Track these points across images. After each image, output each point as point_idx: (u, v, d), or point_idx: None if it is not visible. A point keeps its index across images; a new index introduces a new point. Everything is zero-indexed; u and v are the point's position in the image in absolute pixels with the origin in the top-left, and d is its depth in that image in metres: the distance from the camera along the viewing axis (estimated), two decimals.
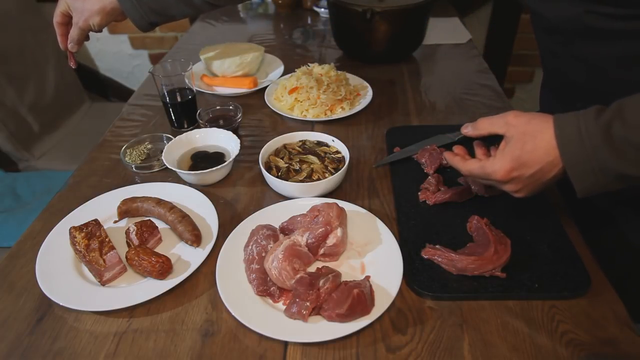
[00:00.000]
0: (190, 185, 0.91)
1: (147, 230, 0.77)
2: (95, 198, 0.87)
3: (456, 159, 0.74)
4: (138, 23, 0.97)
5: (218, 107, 1.09)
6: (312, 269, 0.72)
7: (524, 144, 0.64)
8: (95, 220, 0.77)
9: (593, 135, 0.58)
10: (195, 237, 0.76)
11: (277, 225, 0.79)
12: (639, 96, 0.57)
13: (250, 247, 0.74)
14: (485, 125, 0.72)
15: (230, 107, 1.08)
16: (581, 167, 0.59)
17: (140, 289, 0.70)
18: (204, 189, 0.90)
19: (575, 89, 0.84)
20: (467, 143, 0.77)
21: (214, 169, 0.89)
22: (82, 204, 0.86)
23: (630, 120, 0.56)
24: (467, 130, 0.75)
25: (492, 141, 0.73)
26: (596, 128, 0.58)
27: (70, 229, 0.75)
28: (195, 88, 1.11)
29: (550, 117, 0.63)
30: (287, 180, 0.87)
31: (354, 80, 1.27)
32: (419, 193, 0.86)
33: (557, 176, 0.64)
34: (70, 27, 0.98)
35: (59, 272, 0.73)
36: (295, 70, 1.23)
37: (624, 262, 0.87)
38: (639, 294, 0.79)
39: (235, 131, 1.01)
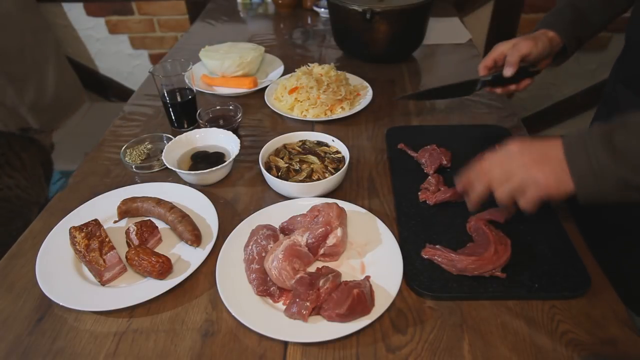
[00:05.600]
0: (190, 185, 0.91)
1: (147, 230, 0.77)
2: (95, 198, 0.87)
3: (474, 163, 0.73)
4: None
5: (218, 107, 1.09)
6: (312, 269, 0.72)
7: (532, 143, 0.67)
8: (95, 220, 0.77)
9: (595, 137, 0.61)
10: (195, 237, 0.76)
11: (277, 225, 0.79)
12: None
13: (250, 247, 0.74)
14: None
15: (230, 107, 1.08)
16: (582, 168, 0.61)
17: (140, 289, 0.70)
18: (204, 189, 0.90)
19: None
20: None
21: (214, 169, 0.89)
22: (82, 204, 0.86)
23: (632, 127, 0.60)
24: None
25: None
26: (599, 131, 0.61)
27: (70, 229, 0.75)
28: (195, 88, 1.11)
29: (559, 137, 0.65)
30: (287, 180, 0.87)
31: (354, 80, 1.27)
32: (419, 193, 0.86)
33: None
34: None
35: (59, 272, 0.73)
36: (295, 70, 1.23)
37: (627, 259, 0.87)
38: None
39: (235, 131, 1.01)
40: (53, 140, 1.77)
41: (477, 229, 0.76)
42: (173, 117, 1.10)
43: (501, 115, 1.11)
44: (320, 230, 0.72)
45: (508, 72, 0.92)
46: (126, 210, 0.83)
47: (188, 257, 0.75)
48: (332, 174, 0.89)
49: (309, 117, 1.12)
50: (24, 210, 1.32)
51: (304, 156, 0.94)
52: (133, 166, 0.97)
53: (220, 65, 1.28)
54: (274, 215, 0.81)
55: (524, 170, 0.65)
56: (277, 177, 0.88)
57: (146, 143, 1.04)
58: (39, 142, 1.56)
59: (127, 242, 0.78)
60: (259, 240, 0.74)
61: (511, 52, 0.92)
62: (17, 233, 0.80)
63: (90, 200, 0.87)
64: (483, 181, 0.70)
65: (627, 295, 0.73)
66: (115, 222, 0.84)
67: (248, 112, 1.17)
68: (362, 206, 0.83)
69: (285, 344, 0.64)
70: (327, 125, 1.12)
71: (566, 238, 0.76)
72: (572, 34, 0.93)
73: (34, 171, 1.38)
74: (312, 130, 1.03)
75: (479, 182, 0.71)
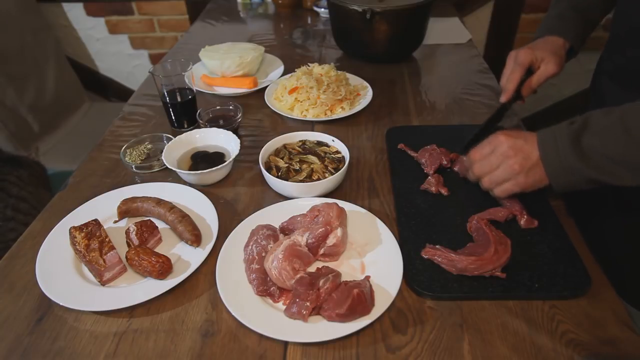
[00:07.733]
0: (190, 185, 0.91)
1: (147, 230, 0.77)
2: (95, 198, 0.87)
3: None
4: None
5: (218, 107, 1.09)
6: (312, 269, 0.72)
7: (517, 137, 0.74)
8: (95, 220, 0.77)
9: (564, 138, 0.67)
10: (195, 237, 0.76)
11: (277, 225, 0.79)
12: (603, 110, 0.67)
13: (250, 247, 0.74)
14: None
15: (230, 107, 1.08)
16: (554, 166, 0.69)
17: (140, 289, 0.70)
18: (204, 189, 0.90)
19: None
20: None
21: (214, 169, 0.89)
22: (82, 204, 0.86)
23: (595, 129, 0.65)
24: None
25: None
26: (567, 131, 0.67)
27: (70, 229, 0.75)
28: (195, 88, 1.11)
29: (535, 134, 0.73)
30: (287, 180, 0.86)
31: (354, 80, 1.27)
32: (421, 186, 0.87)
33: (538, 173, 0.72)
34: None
35: (59, 272, 0.73)
36: (295, 70, 1.23)
37: (623, 248, 0.88)
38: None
39: (235, 131, 1.01)
40: (53, 141, 1.77)
41: (477, 229, 0.76)
42: (173, 117, 1.10)
43: None
44: (320, 230, 0.72)
45: (503, 98, 0.95)
46: (126, 210, 0.83)
47: (188, 257, 0.75)
48: (332, 174, 0.89)
49: (309, 117, 1.12)
50: None
51: (304, 156, 0.94)
52: (133, 166, 0.97)
53: (220, 65, 1.28)
54: (274, 215, 0.81)
55: (505, 166, 0.73)
56: (277, 177, 0.88)
57: (146, 143, 1.04)
58: (34, 166, 1.54)
59: (127, 242, 0.78)
60: (259, 240, 0.74)
61: (537, 76, 0.93)
62: None
63: (90, 200, 0.87)
64: (474, 171, 0.79)
65: (626, 291, 0.73)
66: (115, 222, 0.84)
67: (248, 112, 1.17)
68: (362, 206, 0.83)
69: (285, 344, 0.64)
70: (327, 125, 1.12)
71: (566, 238, 0.76)
72: (579, 36, 0.98)
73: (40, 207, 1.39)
74: (312, 130, 1.03)
75: (471, 171, 0.80)
